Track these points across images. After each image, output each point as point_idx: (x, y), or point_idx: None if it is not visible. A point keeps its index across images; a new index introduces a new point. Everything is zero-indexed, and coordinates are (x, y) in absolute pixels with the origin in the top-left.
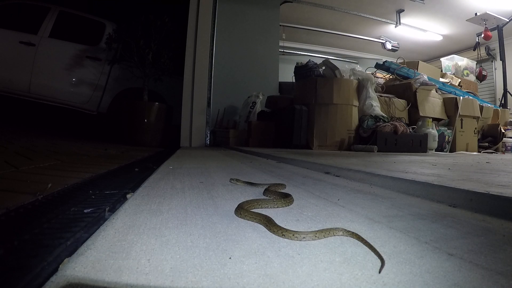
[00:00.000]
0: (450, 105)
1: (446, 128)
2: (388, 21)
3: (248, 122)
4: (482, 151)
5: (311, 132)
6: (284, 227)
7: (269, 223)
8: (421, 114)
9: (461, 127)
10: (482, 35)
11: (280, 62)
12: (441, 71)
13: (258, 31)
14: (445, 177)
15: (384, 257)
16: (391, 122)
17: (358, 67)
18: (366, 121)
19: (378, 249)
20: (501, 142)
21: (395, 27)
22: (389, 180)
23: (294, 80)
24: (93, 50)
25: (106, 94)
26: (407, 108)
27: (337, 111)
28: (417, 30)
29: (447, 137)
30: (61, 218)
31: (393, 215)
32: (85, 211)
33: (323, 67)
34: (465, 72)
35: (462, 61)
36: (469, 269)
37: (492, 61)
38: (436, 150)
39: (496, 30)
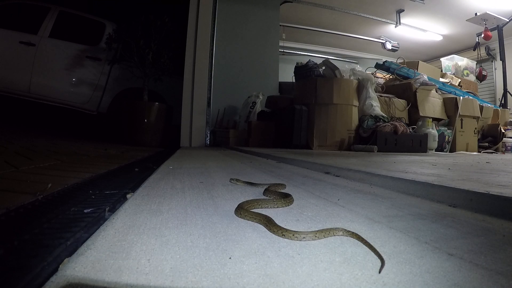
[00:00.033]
0: (450, 105)
1: (446, 128)
2: (388, 21)
3: (248, 122)
4: (482, 151)
5: (311, 132)
6: (284, 227)
7: (269, 223)
8: (421, 114)
9: (461, 127)
10: (482, 35)
11: (280, 62)
12: (441, 71)
13: (258, 31)
14: (445, 177)
15: (384, 257)
16: (391, 122)
17: (358, 67)
18: (366, 121)
19: (378, 249)
20: (501, 142)
21: (395, 27)
22: (389, 180)
23: (294, 80)
24: (93, 50)
25: (106, 94)
26: (407, 108)
27: (337, 111)
28: (417, 30)
29: (447, 137)
30: (61, 218)
31: (393, 215)
32: (85, 211)
33: (323, 67)
34: (465, 72)
35: (462, 61)
36: (469, 269)
37: (492, 61)
38: (436, 150)
39: (496, 30)
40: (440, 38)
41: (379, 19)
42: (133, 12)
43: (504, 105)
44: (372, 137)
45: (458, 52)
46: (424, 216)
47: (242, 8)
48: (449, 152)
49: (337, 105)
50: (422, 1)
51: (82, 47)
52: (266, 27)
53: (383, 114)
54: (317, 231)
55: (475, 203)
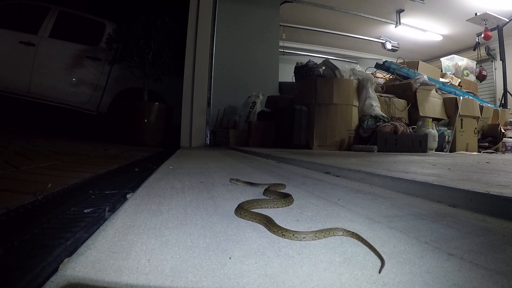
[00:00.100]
0: (450, 105)
1: (446, 128)
2: (388, 21)
3: (248, 122)
4: (482, 151)
5: (311, 132)
6: (284, 227)
7: (269, 223)
8: (421, 114)
9: (461, 127)
10: (482, 35)
11: (280, 62)
12: (441, 71)
13: (258, 31)
14: (445, 177)
15: (384, 257)
16: (391, 122)
17: (358, 67)
18: (366, 121)
19: (378, 249)
20: (501, 142)
21: (395, 27)
22: (389, 180)
23: (294, 80)
24: (93, 50)
25: (106, 94)
26: (407, 108)
27: (337, 111)
28: (417, 30)
29: (447, 137)
30: (61, 218)
31: (393, 215)
32: (85, 211)
33: (323, 67)
34: (465, 72)
35: (462, 61)
36: (469, 269)
37: (492, 61)
38: (436, 150)
39: (496, 30)
40: (440, 38)
41: (379, 19)
42: (133, 12)
43: (504, 105)
44: (372, 137)
45: (458, 52)
46: (424, 216)
47: (242, 8)
48: (449, 152)
49: (337, 105)
50: (422, 1)
51: (82, 47)
52: (266, 27)
53: (383, 114)
54: (317, 231)
55: (475, 203)
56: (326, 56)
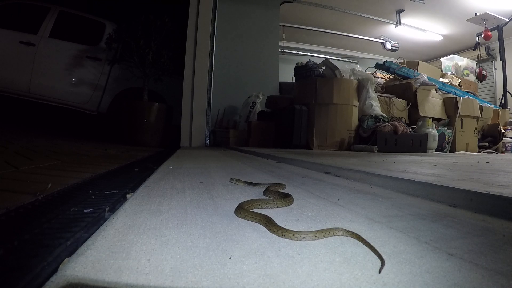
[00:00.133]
0: (450, 105)
1: (446, 128)
2: (388, 21)
3: (248, 122)
4: (482, 151)
5: (311, 132)
6: (284, 227)
7: (269, 223)
8: (421, 114)
9: (461, 127)
10: (482, 35)
11: (280, 62)
12: (441, 71)
13: (258, 31)
14: (445, 177)
15: (384, 257)
16: (391, 122)
17: (358, 67)
18: (366, 121)
19: (378, 249)
20: (501, 142)
21: (395, 27)
22: (389, 180)
23: (294, 80)
24: (93, 50)
25: (106, 94)
26: (407, 108)
27: (337, 111)
28: (417, 30)
29: (447, 137)
30: (61, 218)
31: (393, 215)
32: (85, 211)
33: (323, 67)
34: (465, 72)
35: (462, 61)
36: (469, 269)
37: (492, 61)
38: (436, 150)
39: (496, 30)
40: (440, 38)
41: (379, 19)
42: (133, 12)
43: (504, 105)
44: (372, 137)
45: (458, 52)
46: (424, 216)
47: (242, 8)
48: (449, 152)
49: (337, 105)
50: (422, 1)
51: (82, 47)
52: (266, 27)
53: (383, 114)
54: (317, 231)
55: (475, 203)
56: (326, 56)
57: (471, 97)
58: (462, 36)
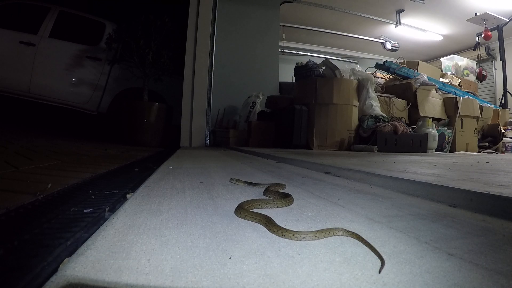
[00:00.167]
0: (450, 105)
1: (446, 128)
2: (388, 21)
3: (248, 122)
4: (482, 151)
5: (311, 132)
6: (284, 227)
7: (269, 223)
8: (421, 114)
9: (461, 127)
10: (482, 35)
11: (280, 62)
12: (441, 71)
13: (258, 31)
14: (445, 177)
15: (384, 257)
16: (391, 122)
17: (358, 67)
18: (366, 121)
19: (378, 249)
20: (501, 142)
21: (395, 27)
22: (389, 180)
23: (294, 80)
24: (93, 50)
25: (106, 94)
26: (407, 108)
27: (337, 111)
28: (417, 30)
29: (447, 137)
30: (61, 218)
31: (393, 215)
32: (85, 211)
33: (323, 67)
34: (465, 72)
35: (462, 61)
36: (469, 269)
37: (492, 61)
38: (436, 150)
39: (496, 30)
40: (440, 38)
41: (379, 19)
42: (133, 12)
43: (504, 105)
44: (372, 137)
45: (458, 52)
46: (424, 216)
47: (242, 8)
48: (449, 152)
49: (337, 105)
50: (422, 1)
51: (82, 47)
52: (266, 27)
53: (383, 114)
54: (317, 231)
55: (475, 203)
56: (326, 56)
57: (471, 97)
58: (462, 36)
